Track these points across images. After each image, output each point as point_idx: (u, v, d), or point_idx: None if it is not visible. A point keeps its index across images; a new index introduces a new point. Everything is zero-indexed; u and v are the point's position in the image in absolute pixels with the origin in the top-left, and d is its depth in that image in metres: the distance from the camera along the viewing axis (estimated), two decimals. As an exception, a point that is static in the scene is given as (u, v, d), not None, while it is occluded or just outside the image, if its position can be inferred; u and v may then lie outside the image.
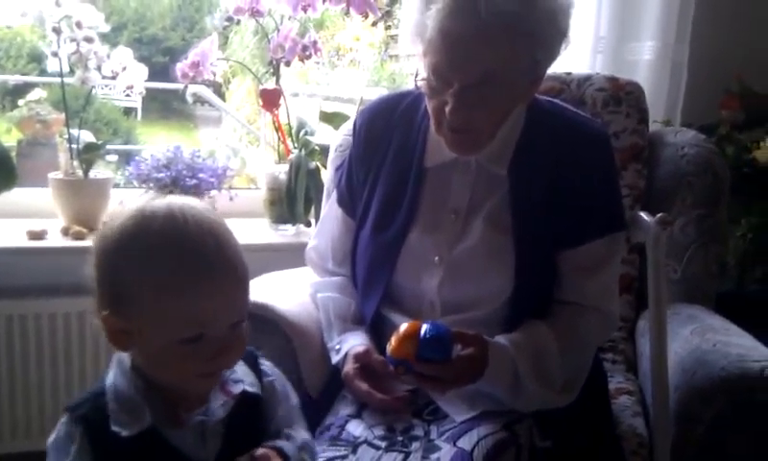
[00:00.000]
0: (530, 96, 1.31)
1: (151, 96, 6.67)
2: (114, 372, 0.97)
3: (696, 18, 2.13)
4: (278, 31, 2.00)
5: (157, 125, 6.44)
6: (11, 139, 4.09)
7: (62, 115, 2.11)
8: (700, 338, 1.41)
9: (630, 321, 1.71)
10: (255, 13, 1.97)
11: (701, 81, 2.19)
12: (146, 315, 0.90)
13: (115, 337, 0.94)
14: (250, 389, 1.03)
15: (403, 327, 1.20)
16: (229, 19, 1.99)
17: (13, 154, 3.71)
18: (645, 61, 2.10)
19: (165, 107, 6.53)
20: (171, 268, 0.89)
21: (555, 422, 1.25)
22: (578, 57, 2.08)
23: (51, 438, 0.95)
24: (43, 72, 2.07)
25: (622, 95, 1.77)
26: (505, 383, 1.23)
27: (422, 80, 1.25)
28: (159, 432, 0.94)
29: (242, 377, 1.03)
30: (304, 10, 1.95)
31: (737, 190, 1.88)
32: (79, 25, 1.89)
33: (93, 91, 2.05)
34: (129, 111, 5.83)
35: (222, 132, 4.55)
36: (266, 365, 1.09)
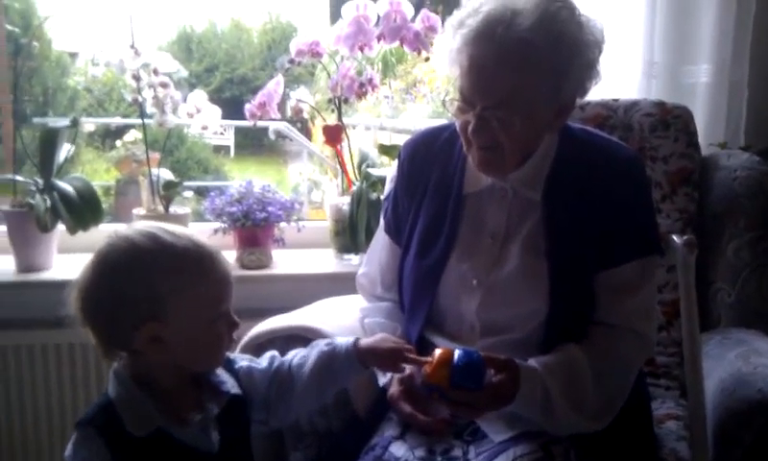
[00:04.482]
0: (557, 125, 1.36)
1: (243, 133, 7.00)
2: (114, 385, 1.11)
3: (754, 37, 2.10)
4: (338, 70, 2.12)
5: (249, 161, 6.73)
6: (110, 178, 4.39)
7: (157, 155, 2.26)
8: (743, 361, 1.41)
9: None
10: (315, 55, 2.09)
11: (763, 101, 2.15)
12: (184, 309, 1.07)
13: (151, 346, 1.08)
14: (232, 390, 1.19)
15: (437, 353, 1.24)
16: (291, 62, 2.10)
17: (112, 192, 4.00)
18: (702, 84, 2.08)
19: (256, 143, 6.82)
20: (195, 267, 1.09)
21: (593, 444, 1.28)
22: (629, 83, 2.09)
23: (68, 451, 1.08)
24: (146, 114, 2.22)
25: (670, 119, 1.78)
26: (537, 406, 1.26)
27: (450, 99, 1.34)
28: (168, 431, 1.09)
29: (225, 380, 1.19)
30: (361, 49, 2.05)
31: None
32: (156, 72, 2.06)
33: (186, 131, 2.20)
34: (222, 149, 6.11)
35: (307, 166, 4.75)
36: (237, 357, 1.28)
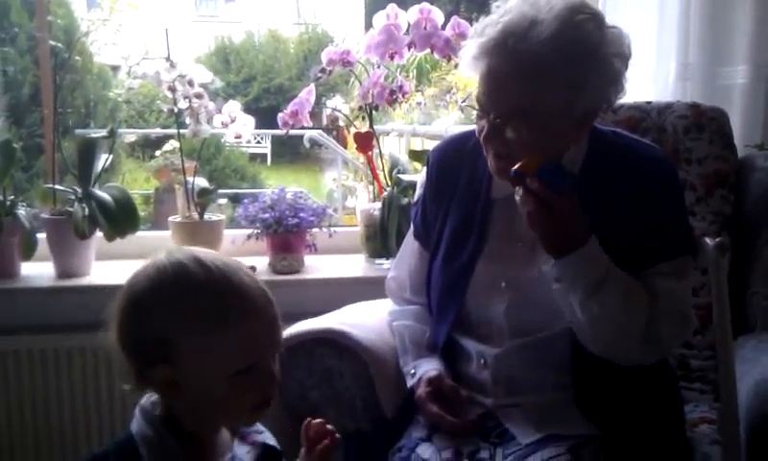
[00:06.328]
0: (579, 137, 1.34)
1: (279, 142, 7.09)
2: (139, 422, 0.99)
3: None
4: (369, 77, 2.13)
5: (286, 169, 6.81)
6: (150, 187, 4.49)
7: (194, 163, 2.30)
8: (778, 365, 1.38)
9: (719, 349, 1.67)
10: (346, 64, 2.11)
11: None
12: (199, 358, 0.94)
13: (165, 389, 0.97)
14: (270, 442, 1.09)
15: None
16: (323, 71, 2.12)
17: (152, 200, 4.07)
18: (739, 86, 2.04)
19: (293, 152, 6.90)
20: (217, 308, 0.94)
21: (623, 447, 1.27)
22: (662, 85, 2.07)
23: None
24: (183, 124, 2.26)
25: (704, 121, 1.75)
26: (592, 277, 1.24)
27: (467, 105, 1.35)
28: None
29: (263, 430, 1.09)
30: (392, 57, 2.07)
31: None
32: (191, 83, 2.10)
33: (223, 141, 2.23)
34: (259, 157, 6.19)
35: (342, 173, 4.79)
36: None
